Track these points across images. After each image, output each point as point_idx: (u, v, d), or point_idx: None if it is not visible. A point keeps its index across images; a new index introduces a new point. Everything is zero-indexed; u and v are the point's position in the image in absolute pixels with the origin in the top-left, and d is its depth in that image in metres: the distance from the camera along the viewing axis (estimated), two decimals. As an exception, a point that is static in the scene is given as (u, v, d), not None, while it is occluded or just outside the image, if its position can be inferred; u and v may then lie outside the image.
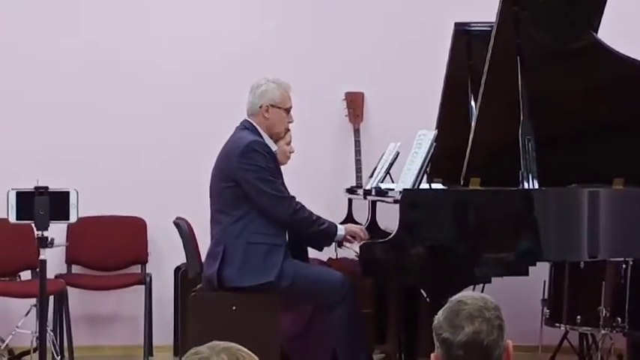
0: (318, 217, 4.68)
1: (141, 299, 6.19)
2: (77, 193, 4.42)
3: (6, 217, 4.43)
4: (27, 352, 5.75)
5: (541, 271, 4.92)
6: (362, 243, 4.46)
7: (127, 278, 6.28)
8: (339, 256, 5.40)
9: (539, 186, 4.33)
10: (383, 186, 5.12)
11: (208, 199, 4.77)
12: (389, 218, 4.65)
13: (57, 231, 4.82)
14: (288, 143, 5.20)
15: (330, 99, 6.43)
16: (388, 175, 5.28)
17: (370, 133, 6.45)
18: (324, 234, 4.69)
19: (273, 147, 4.74)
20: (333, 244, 4.86)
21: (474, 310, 2.19)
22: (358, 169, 6.20)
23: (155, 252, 6.38)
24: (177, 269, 6.09)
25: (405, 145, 5.03)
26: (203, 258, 4.85)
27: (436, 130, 4.77)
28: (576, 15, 4.63)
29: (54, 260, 5.82)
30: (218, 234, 4.66)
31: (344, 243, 4.80)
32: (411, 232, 4.26)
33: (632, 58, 4.64)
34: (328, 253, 5.23)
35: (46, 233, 4.37)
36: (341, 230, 4.72)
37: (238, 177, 4.59)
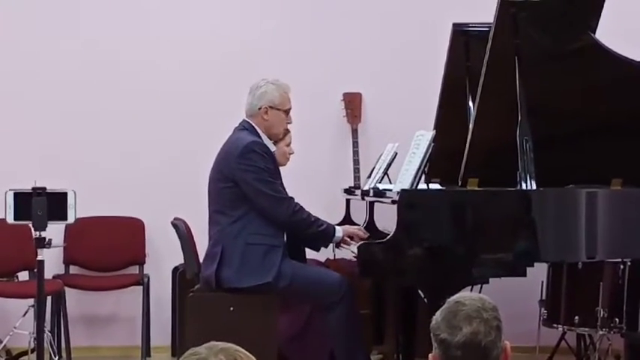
0: (317, 219, 4.68)
1: (139, 300, 6.18)
2: (75, 193, 4.42)
3: (4, 217, 4.43)
4: (24, 353, 5.75)
5: (539, 272, 4.92)
6: (360, 244, 4.45)
7: (124, 279, 6.28)
8: (336, 257, 5.40)
9: (537, 186, 4.33)
10: (381, 186, 5.12)
11: (206, 199, 4.77)
12: (387, 219, 4.65)
13: (55, 231, 4.82)
14: (288, 144, 5.20)
15: (328, 99, 6.43)
16: (386, 176, 5.28)
17: (368, 134, 6.45)
18: (322, 235, 4.70)
19: (272, 148, 4.74)
20: (331, 244, 4.86)
21: (471, 310, 2.19)
22: (356, 170, 6.19)
23: (153, 253, 6.38)
24: (175, 270, 6.08)
25: (403, 145, 5.04)
26: (201, 259, 4.85)
27: (434, 131, 4.77)
28: (574, 16, 4.63)
29: (52, 261, 5.82)
30: (216, 234, 4.66)
31: (341, 244, 4.80)
32: (408, 233, 4.26)
33: (630, 58, 4.64)
34: (326, 253, 5.23)
35: (43, 234, 4.37)
36: (339, 232, 4.72)
37: (237, 178, 4.58)
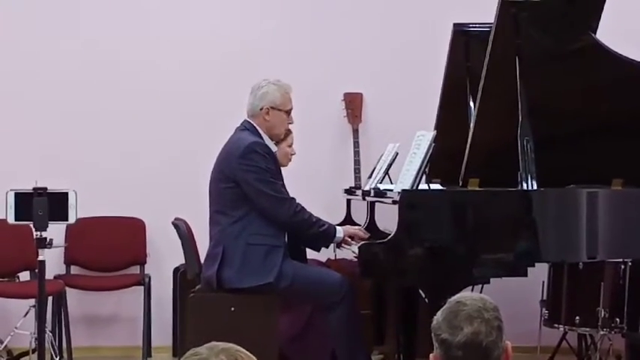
0: (318, 219, 4.68)
1: (140, 300, 6.19)
2: (76, 193, 4.42)
3: (5, 217, 4.43)
4: (26, 353, 5.75)
5: (540, 272, 4.92)
6: (360, 244, 4.45)
7: (125, 279, 6.28)
8: (337, 257, 5.40)
9: (538, 187, 4.33)
10: (382, 187, 5.12)
11: (207, 199, 4.77)
12: (388, 219, 4.65)
13: (56, 232, 4.82)
14: (290, 145, 5.20)
15: (329, 100, 6.43)
16: (387, 176, 5.28)
17: (369, 134, 6.45)
18: (323, 235, 4.70)
19: (273, 148, 4.74)
20: (332, 245, 4.86)
21: (472, 311, 2.19)
22: (357, 170, 6.19)
23: (154, 253, 6.38)
24: (176, 270, 6.08)
25: (404, 145, 5.04)
26: (202, 259, 4.85)
27: (435, 131, 4.77)
28: (575, 16, 4.63)
29: (53, 261, 5.82)
30: (217, 235, 4.66)
31: (342, 244, 4.80)
32: (409, 233, 4.26)
33: (631, 58, 4.64)
34: (327, 254, 5.23)
35: (44, 234, 4.37)
36: (339, 232, 4.72)
37: (238, 178, 4.58)
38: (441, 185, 4.97)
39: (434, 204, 4.35)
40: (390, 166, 5.29)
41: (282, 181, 4.71)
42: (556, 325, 5.12)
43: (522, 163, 4.34)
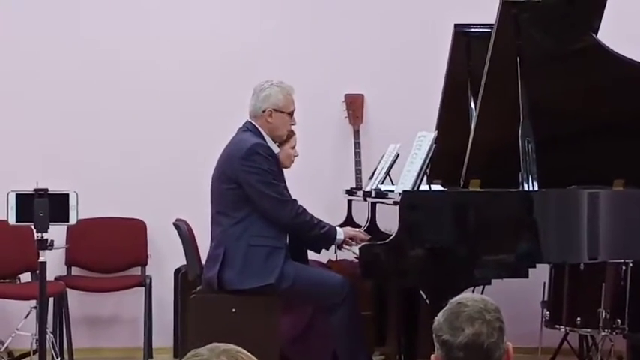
0: (319, 221, 4.68)
1: (141, 301, 6.18)
2: (77, 195, 4.42)
3: (6, 219, 4.43)
4: (27, 354, 5.75)
5: (541, 273, 4.91)
6: (362, 245, 4.46)
7: (126, 280, 6.27)
8: (338, 258, 5.40)
9: (539, 187, 4.33)
10: (383, 188, 5.12)
11: (208, 200, 4.77)
12: (389, 220, 4.65)
13: (57, 233, 4.82)
14: (293, 147, 5.20)
15: (330, 101, 6.43)
16: (388, 177, 5.28)
17: (370, 135, 6.45)
18: (324, 237, 4.70)
19: (276, 149, 4.74)
20: (333, 246, 4.86)
21: (474, 311, 2.19)
22: (358, 171, 6.19)
23: (155, 254, 6.38)
24: (177, 271, 6.08)
25: (405, 146, 5.03)
26: (203, 260, 4.85)
27: (436, 132, 4.77)
28: (576, 16, 4.63)
29: (54, 262, 5.81)
30: (218, 236, 4.66)
31: (343, 245, 4.80)
32: (410, 234, 4.26)
33: (632, 59, 4.64)
34: (328, 254, 5.23)
35: (45, 235, 4.37)
36: (340, 234, 4.72)
37: (240, 179, 4.58)
38: (442, 186, 4.97)
39: (435, 205, 4.35)
40: (391, 167, 5.28)
41: (284, 182, 4.71)
42: (557, 326, 5.11)
43: (523, 164, 4.35)
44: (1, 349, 5.78)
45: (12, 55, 6.39)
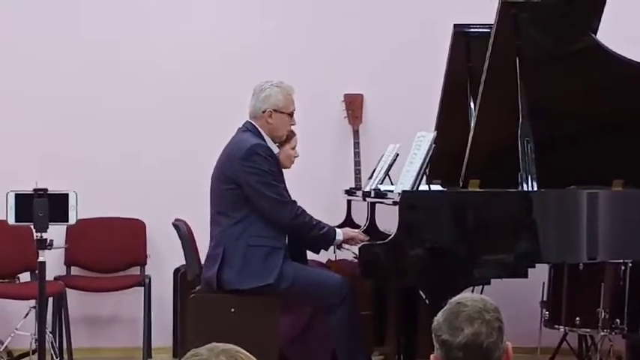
0: (318, 222, 4.68)
1: (140, 301, 6.18)
2: (76, 194, 4.42)
3: (5, 218, 4.43)
4: (26, 354, 5.74)
5: (540, 273, 4.91)
6: (361, 244, 4.46)
7: (126, 280, 6.27)
8: (337, 258, 5.40)
9: (539, 187, 4.33)
10: (382, 187, 5.11)
11: (207, 200, 4.77)
12: (388, 220, 4.65)
13: (56, 233, 4.82)
14: (294, 148, 5.20)
15: (330, 101, 6.43)
16: (387, 177, 5.28)
17: (369, 135, 6.45)
18: (323, 238, 4.70)
19: (275, 150, 4.74)
20: (331, 247, 4.86)
21: (473, 311, 2.19)
22: (357, 171, 6.19)
23: (154, 254, 6.38)
24: (176, 271, 6.08)
25: (404, 146, 5.03)
26: (202, 260, 4.85)
27: (435, 132, 4.77)
28: (575, 17, 4.63)
29: (53, 262, 5.81)
30: (218, 235, 4.66)
31: (342, 245, 4.80)
32: (410, 234, 4.26)
33: (631, 59, 4.64)
34: (327, 254, 5.22)
35: (45, 235, 4.37)
36: (339, 235, 4.72)
37: (240, 179, 4.58)
38: (442, 186, 4.96)
39: (434, 205, 4.35)
40: (390, 167, 5.28)
41: (284, 183, 4.71)
42: (556, 326, 5.11)
43: (523, 164, 4.35)
44: (1, 349, 5.78)
45: (12, 55, 6.39)
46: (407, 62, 6.46)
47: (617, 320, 4.88)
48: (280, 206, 4.57)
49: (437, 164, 4.69)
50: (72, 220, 4.43)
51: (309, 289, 4.60)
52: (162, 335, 6.23)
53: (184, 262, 5.34)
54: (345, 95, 6.46)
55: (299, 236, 4.71)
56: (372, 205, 5.27)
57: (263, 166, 4.56)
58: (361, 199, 5.40)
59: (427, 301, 4.32)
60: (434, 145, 4.56)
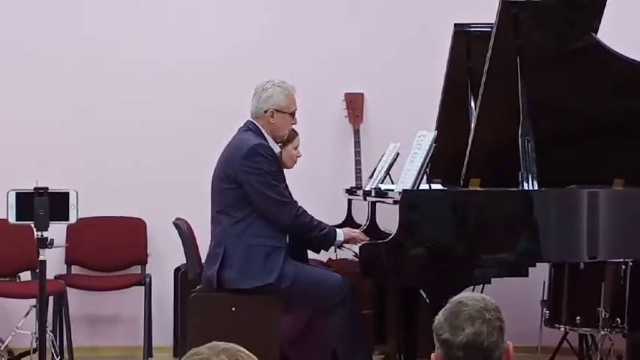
0: (319, 223, 4.67)
1: (140, 300, 6.18)
2: (77, 193, 4.42)
3: (6, 217, 4.43)
4: (27, 353, 5.75)
5: (541, 272, 4.92)
6: (361, 244, 4.46)
7: (126, 279, 6.28)
8: (338, 257, 5.40)
9: (539, 187, 4.33)
10: (383, 187, 5.12)
11: (208, 199, 4.77)
12: (389, 219, 4.65)
13: (56, 232, 4.82)
14: (296, 148, 5.21)
15: (330, 100, 6.43)
16: (388, 176, 5.28)
17: (370, 134, 6.45)
18: (323, 239, 4.69)
19: (277, 149, 4.73)
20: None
21: (474, 311, 2.19)
22: (358, 170, 6.19)
23: (155, 253, 6.38)
24: (176, 270, 6.08)
25: (405, 145, 5.03)
26: (203, 259, 4.85)
27: (436, 131, 4.77)
28: (576, 16, 4.63)
29: (53, 261, 5.82)
30: (218, 235, 4.66)
31: (343, 244, 4.80)
32: (410, 233, 4.26)
33: (632, 59, 4.64)
34: (328, 253, 5.23)
35: (45, 234, 4.37)
36: (340, 236, 4.71)
37: (241, 179, 4.57)
38: (442, 185, 4.96)
39: (435, 204, 4.35)
40: (391, 166, 5.28)
41: (285, 183, 4.70)
42: (557, 326, 5.11)
43: (523, 163, 4.35)
44: (1, 348, 5.78)
45: (12, 55, 6.38)
46: (407, 61, 6.46)
47: (618, 319, 4.88)
48: (281, 206, 4.57)
49: (437, 163, 4.68)
50: (72, 219, 4.44)
51: (310, 288, 4.60)
52: (163, 334, 6.23)
53: (185, 261, 5.34)
54: (346, 94, 6.47)
55: (300, 236, 4.71)
56: (373, 205, 5.27)
57: (264, 166, 4.55)
58: (362, 198, 5.40)
59: (428, 301, 4.32)
60: (434, 145, 4.56)
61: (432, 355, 2.24)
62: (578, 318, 4.96)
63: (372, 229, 5.15)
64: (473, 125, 4.61)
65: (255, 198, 4.56)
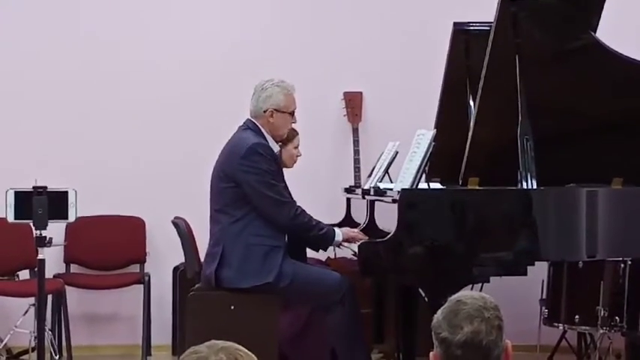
0: (318, 222, 4.66)
1: (139, 299, 6.18)
2: (75, 192, 4.42)
3: (4, 216, 4.43)
4: (25, 352, 5.76)
5: (539, 271, 4.92)
6: (360, 242, 4.46)
7: (125, 278, 6.28)
8: (337, 256, 5.40)
9: (538, 185, 4.33)
10: (381, 185, 5.11)
11: (207, 198, 4.76)
12: (387, 218, 4.65)
13: (55, 230, 4.82)
14: (296, 147, 5.20)
15: (329, 98, 6.43)
16: (387, 175, 5.28)
17: (369, 133, 6.45)
18: (322, 239, 4.69)
19: (276, 148, 4.72)
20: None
21: (473, 310, 2.19)
22: (357, 169, 6.19)
23: (153, 251, 6.38)
24: (175, 269, 6.08)
25: (404, 144, 5.03)
26: (202, 257, 4.85)
27: (435, 130, 4.77)
28: (575, 14, 4.63)
29: (52, 260, 5.82)
30: (217, 234, 4.65)
31: (342, 243, 4.80)
32: (409, 232, 4.26)
33: (631, 58, 4.64)
34: (327, 252, 5.22)
35: (44, 232, 4.37)
36: (338, 235, 4.70)
37: (239, 178, 4.56)
38: (441, 184, 4.96)
39: (434, 203, 4.35)
40: (389, 164, 5.28)
41: (284, 182, 4.70)
42: (556, 324, 5.12)
43: (522, 162, 4.35)
44: (0, 347, 5.78)
45: (12, 55, 6.38)
46: (406, 60, 6.46)
47: (617, 318, 4.88)
48: (279, 206, 4.56)
49: (436, 162, 4.68)
50: (71, 218, 4.44)
51: (309, 287, 4.60)
52: (162, 333, 6.23)
53: (184, 260, 5.34)
54: (345, 93, 6.47)
55: (298, 236, 4.70)
56: (372, 203, 5.27)
57: (262, 166, 4.54)
58: (361, 197, 5.40)
59: (426, 299, 4.32)
60: (433, 143, 4.56)
61: (431, 353, 2.24)
62: (577, 317, 4.96)
63: (370, 227, 5.16)
64: (472, 124, 4.60)
65: (253, 197, 4.56)
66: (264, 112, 4.68)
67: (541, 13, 4.60)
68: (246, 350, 1.87)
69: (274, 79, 4.74)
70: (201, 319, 4.53)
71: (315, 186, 6.08)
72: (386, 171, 5.28)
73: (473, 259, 4.26)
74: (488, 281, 4.36)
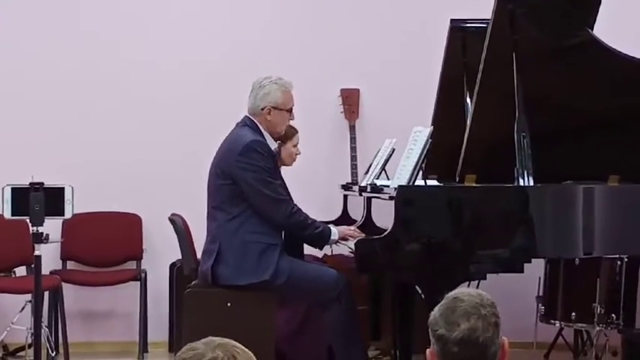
0: (314, 221, 4.66)
1: (136, 295, 6.18)
2: (72, 188, 4.41)
3: (1, 212, 4.42)
4: (22, 348, 5.76)
5: (536, 268, 4.92)
6: (357, 239, 4.46)
7: (122, 274, 6.27)
8: (334, 253, 5.40)
9: (535, 183, 4.33)
10: (378, 182, 5.11)
11: (204, 195, 4.76)
12: (384, 215, 4.65)
13: (52, 227, 4.82)
14: (295, 145, 5.19)
15: (326, 95, 6.43)
16: (383, 172, 5.28)
17: (366, 130, 6.45)
18: (318, 237, 4.68)
19: (273, 145, 4.71)
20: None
21: (469, 307, 2.19)
22: (353, 166, 6.19)
23: (150, 248, 6.37)
24: (172, 265, 6.08)
25: (401, 141, 5.03)
26: (199, 254, 4.84)
27: (432, 127, 4.77)
28: (572, 12, 4.63)
29: (49, 256, 5.82)
30: (214, 231, 4.65)
31: (339, 241, 4.79)
32: (406, 229, 4.26)
33: (628, 55, 4.64)
34: (323, 249, 5.23)
35: (41, 229, 4.36)
36: (334, 234, 4.69)
37: (236, 176, 4.56)
38: (438, 181, 4.96)
39: (430, 200, 4.35)
40: (386, 161, 5.28)
41: (281, 180, 4.69)
42: (552, 321, 5.12)
43: (519, 159, 4.35)
44: (-4, 343, 5.79)
45: (12, 55, 6.37)
46: (404, 57, 6.45)
47: (613, 315, 4.89)
48: (275, 204, 4.55)
49: (433, 159, 4.68)
50: (68, 214, 4.43)
51: (305, 284, 4.60)
52: (158, 330, 6.23)
53: (180, 257, 5.34)
54: (342, 90, 6.46)
55: (294, 234, 4.70)
56: (369, 200, 5.27)
57: (259, 163, 4.54)
58: (357, 194, 5.40)
59: (423, 296, 4.32)
60: (430, 140, 4.56)
61: (428, 350, 2.24)
62: (573, 314, 4.97)
63: (367, 224, 5.16)
64: (469, 121, 4.61)
65: (250, 195, 4.55)
66: (262, 109, 4.67)
67: (538, 10, 4.60)
68: (243, 347, 1.87)
69: (272, 77, 4.73)
70: (198, 316, 4.53)
71: (312, 183, 6.08)
72: (383, 168, 5.28)
73: (470, 256, 4.26)
74: (485, 278, 4.36)
